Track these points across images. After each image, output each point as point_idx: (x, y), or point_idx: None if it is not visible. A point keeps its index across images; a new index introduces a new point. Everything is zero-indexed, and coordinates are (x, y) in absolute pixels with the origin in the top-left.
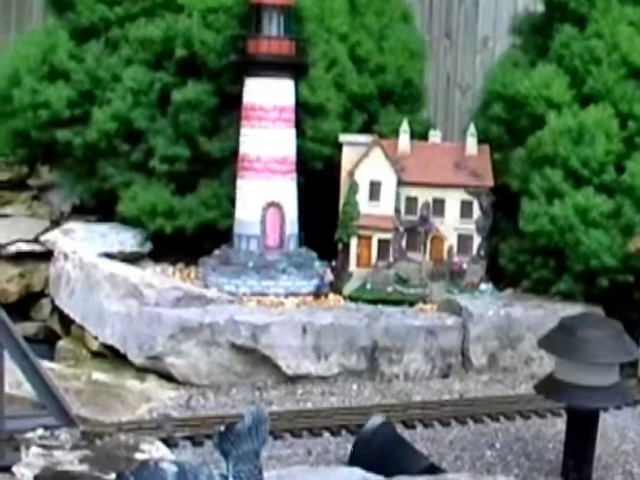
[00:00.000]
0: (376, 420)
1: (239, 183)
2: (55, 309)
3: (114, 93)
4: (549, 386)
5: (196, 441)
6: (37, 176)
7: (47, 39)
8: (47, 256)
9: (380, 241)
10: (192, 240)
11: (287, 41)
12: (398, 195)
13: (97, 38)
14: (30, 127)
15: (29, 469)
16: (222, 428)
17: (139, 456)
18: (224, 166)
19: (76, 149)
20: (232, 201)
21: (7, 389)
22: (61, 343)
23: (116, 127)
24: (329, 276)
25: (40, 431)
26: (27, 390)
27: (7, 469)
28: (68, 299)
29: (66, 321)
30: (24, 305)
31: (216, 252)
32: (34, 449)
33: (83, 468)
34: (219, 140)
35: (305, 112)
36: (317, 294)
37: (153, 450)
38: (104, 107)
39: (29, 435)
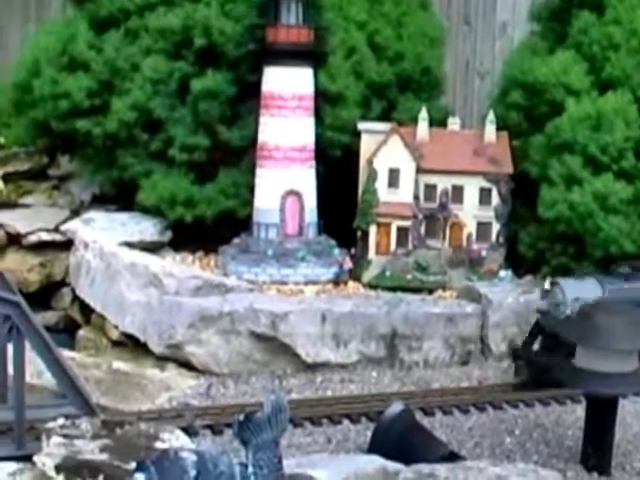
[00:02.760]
0: (395, 407)
1: (258, 172)
2: (75, 298)
3: (133, 83)
4: (568, 373)
5: (216, 430)
6: (57, 166)
7: (67, 30)
8: (67, 245)
9: (399, 228)
10: (212, 229)
11: (306, 29)
12: (417, 182)
13: (116, 28)
14: (50, 117)
15: (50, 458)
16: (242, 417)
17: (159, 445)
18: (243, 155)
19: (96, 139)
20: (251, 189)
21: (28, 378)
22: (81, 332)
23: (136, 117)
24: (348, 264)
25: (61, 420)
26: (48, 379)
27: (28, 458)
28: (88, 288)
29: (86, 310)
30: (45, 294)
31: (235, 240)
32: (55, 438)
33: (104, 457)
34: (238, 129)
35: (324, 100)
36: (336, 282)
37: (173, 439)
38: (123, 97)
39: (50, 424)
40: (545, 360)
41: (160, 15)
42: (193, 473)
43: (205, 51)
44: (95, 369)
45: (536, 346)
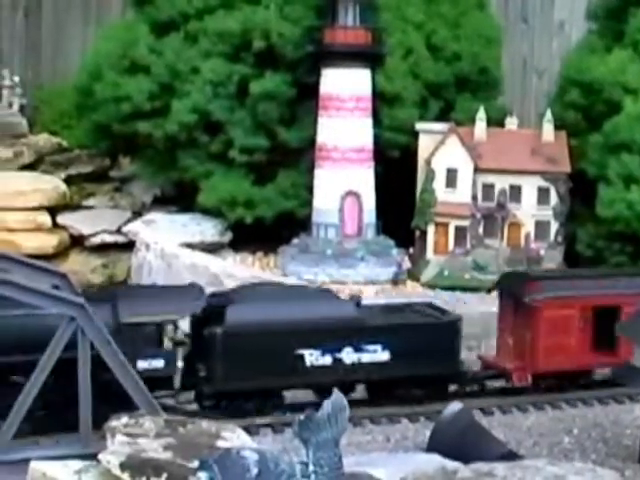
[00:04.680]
0: (454, 407)
1: (317, 172)
2: None
3: (193, 85)
4: (627, 373)
5: (276, 429)
6: (118, 168)
7: (127, 34)
8: (129, 246)
9: (457, 228)
10: (271, 229)
11: (363, 31)
12: (475, 182)
13: (176, 31)
14: (111, 120)
15: (115, 456)
16: (302, 416)
17: (221, 443)
18: (302, 156)
19: (157, 141)
20: (310, 190)
21: None
22: None
23: (196, 119)
24: (407, 263)
25: (125, 419)
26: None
27: (94, 457)
28: None
29: None
30: None
31: (295, 241)
32: (119, 437)
33: (167, 455)
34: (297, 130)
35: (382, 101)
36: (395, 281)
37: (234, 437)
38: (184, 99)
39: (114, 423)
40: None
41: (219, 18)
42: (255, 471)
43: (264, 53)
44: None
45: None
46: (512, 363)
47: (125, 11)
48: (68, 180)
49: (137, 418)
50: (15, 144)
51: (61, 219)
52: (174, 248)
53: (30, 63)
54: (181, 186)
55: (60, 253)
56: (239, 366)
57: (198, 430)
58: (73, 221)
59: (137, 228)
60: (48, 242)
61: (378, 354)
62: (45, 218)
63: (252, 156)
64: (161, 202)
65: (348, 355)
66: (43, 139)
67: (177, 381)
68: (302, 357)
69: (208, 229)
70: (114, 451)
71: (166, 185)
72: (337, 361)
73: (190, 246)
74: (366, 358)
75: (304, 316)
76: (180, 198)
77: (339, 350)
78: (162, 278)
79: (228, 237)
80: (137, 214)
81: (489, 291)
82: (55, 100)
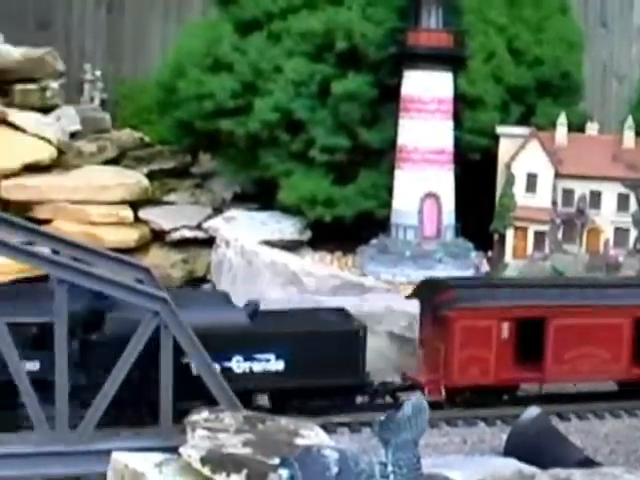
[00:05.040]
0: (532, 412)
1: (397, 173)
2: None
3: (276, 84)
4: None
5: (353, 428)
6: (198, 164)
7: (211, 32)
8: (209, 242)
9: (536, 233)
10: (350, 229)
11: (446, 33)
12: (555, 187)
13: (260, 31)
14: (194, 117)
15: (196, 451)
16: (383, 417)
17: (299, 441)
18: (383, 157)
19: (238, 138)
20: (390, 191)
21: None
22: None
23: (277, 117)
24: (485, 266)
25: (205, 414)
26: None
27: (173, 450)
28: (230, 285)
29: None
30: None
31: (374, 241)
32: (200, 431)
33: (246, 451)
34: (378, 131)
35: (463, 104)
36: None
37: (312, 435)
38: (266, 98)
39: (195, 417)
40: None
41: (303, 18)
42: (335, 470)
43: (346, 54)
44: None
45: None
46: (425, 376)
47: (206, 10)
48: (150, 175)
49: (217, 413)
50: (99, 139)
51: (143, 214)
52: (254, 245)
53: (111, 58)
54: (261, 184)
55: (141, 247)
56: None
57: (277, 427)
58: (154, 216)
59: (217, 225)
60: (130, 236)
61: (271, 363)
62: (127, 212)
63: (333, 156)
64: (241, 199)
65: (238, 364)
66: (126, 134)
67: None
68: (188, 366)
69: (287, 227)
70: (194, 445)
71: (246, 182)
72: (226, 370)
73: (269, 244)
74: (258, 367)
75: (191, 323)
76: (260, 196)
77: (228, 359)
78: (242, 275)
79: (307, 235)
80: (217, 211)
81: (407, 298)
82: (136, 95)
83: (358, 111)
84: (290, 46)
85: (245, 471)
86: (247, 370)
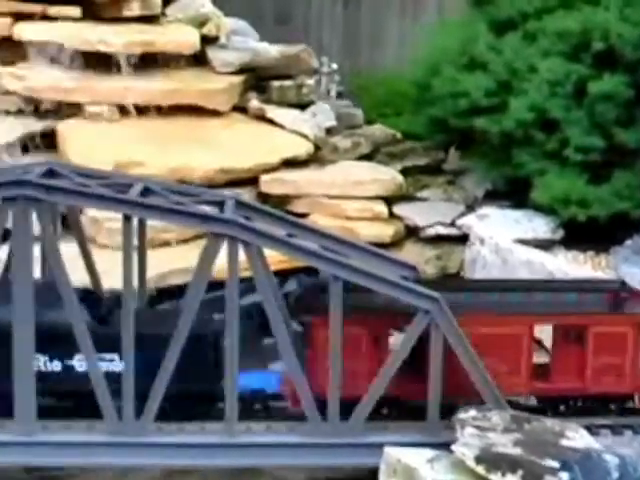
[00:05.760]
0: None
1: None
2: None
3: (531, 84)
4: None
5: (616, 430)
6: (450, 161)
7: (465, 31)
8: (462, 240)
9: None
10: (603, 229)
11: None
12: None
13: (515, 30)
14: (448, 115)
15: (468, 449)
16: None
17: (565, 442)
18: (638, 157)
19: (492, 137)
20: None
21: None
22: None
23: (533, 117)
24: None
25: (473, 412)
26: None
27: (441, 445)
28: None
29: None
30: None
31: (628, 242)
32: (469, 429)
33: (517, 451)
34: (634, 131)
35: None
36: None
37: (577, 437)
38: (521, 97)
39: (463, 415)
40: None
41: (559, 18)
42: (616, 475)
43: (602, 54)
44: None
45: None
46: (288, 385)
47: (440, 10)
48: (404, 171)
49: (484, 412)
50: (353, 135)
51: (397, 209)
52: (509, 243)
53: (348, 52)
54: (514, 182)
55: (396, 243)
56: None
57: (543, 427)
58: (408, 212)
59: (471, 222)
60: (385, 231)
61: (115, 364)
62: (382, 208)
63: (587, 155)
64: (492, 197)
65: (80, 363)
66: (378, 130)
67: None
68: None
69: (540, 226)
70: (466, 443)
71: (499, 180)
72: (68, 368)
73: (523, 242)
74: (101, 368)
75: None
76: (512, 194)
77: (70, 357)
78: (496, 272)
79: (560, 234)
80: (470, 208)
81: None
82: (372, 88)
83: (614, 111)
84: (546, 46)
85: (520, 472)
86: None
